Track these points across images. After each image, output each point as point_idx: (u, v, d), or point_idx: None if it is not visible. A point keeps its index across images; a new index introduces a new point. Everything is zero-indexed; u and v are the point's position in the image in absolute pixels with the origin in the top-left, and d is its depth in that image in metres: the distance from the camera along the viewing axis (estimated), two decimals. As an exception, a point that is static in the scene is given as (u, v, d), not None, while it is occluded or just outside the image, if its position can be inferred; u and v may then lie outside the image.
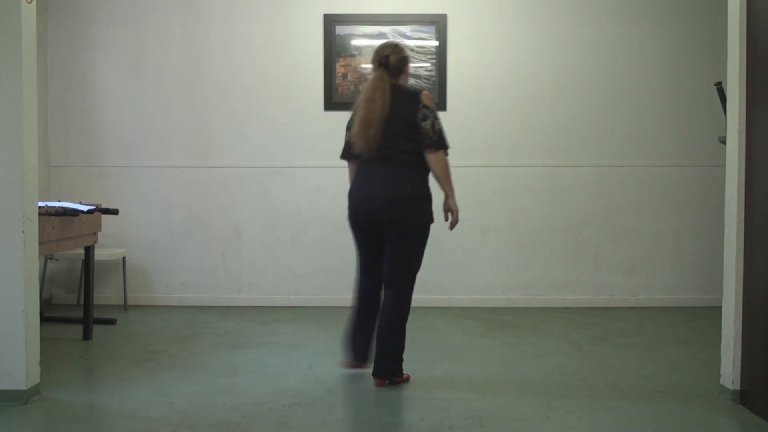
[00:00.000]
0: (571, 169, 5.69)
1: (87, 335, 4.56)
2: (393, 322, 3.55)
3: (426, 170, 3.57)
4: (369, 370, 3.65)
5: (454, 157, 5.63)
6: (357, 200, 3.62)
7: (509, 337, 4.67)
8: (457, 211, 3.64)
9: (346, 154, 3.72)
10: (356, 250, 3.76)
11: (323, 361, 4.06)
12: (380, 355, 3.55)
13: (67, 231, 4.29)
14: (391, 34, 5.62)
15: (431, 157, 3.50)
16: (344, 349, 3.80)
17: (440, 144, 3.51)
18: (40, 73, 5.17)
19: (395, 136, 3.48)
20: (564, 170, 5.70)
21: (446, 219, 3.66)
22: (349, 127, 3.67)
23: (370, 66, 3.76)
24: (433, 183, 3.62)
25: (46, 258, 5.44)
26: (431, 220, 3.58)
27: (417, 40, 5.64)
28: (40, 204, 4.09)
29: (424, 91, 3.60)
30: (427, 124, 3.48)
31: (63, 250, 4.39)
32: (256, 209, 5.72)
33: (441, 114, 5.73)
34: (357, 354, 3.71)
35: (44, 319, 4.81)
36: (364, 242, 3.69)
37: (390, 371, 3.56)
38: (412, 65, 5.60)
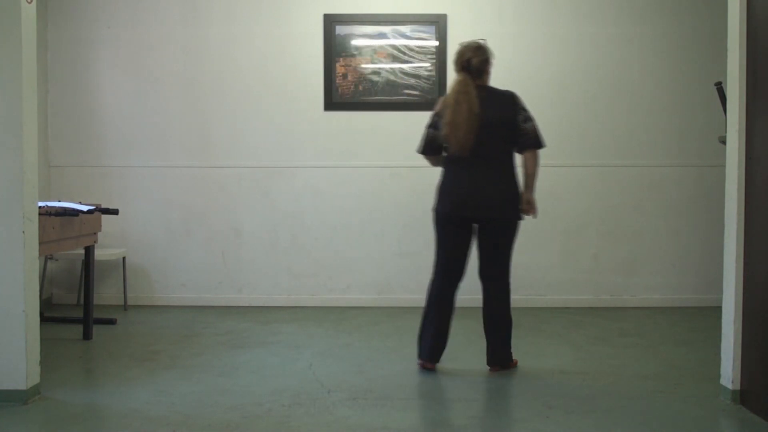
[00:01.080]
0: (571, 169, 5.69)
1: (87, 335, 4.57)
2: (504, 312, 3.83)
3: (514, 168, 3.76)
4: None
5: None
6: (458, 198, 3.72)
7: (509, 337, 4.67)
8: (535, 203, 3.82)
9: (428, 148, 3.85)
10: (440, 250, 3.83)
11: (323, 361, 4.06)
12: (495, 345, 3.82)
13: (67, 231, 4.29)
14: (391, 34, 5.62)
15: (529, 156, 3.74)
16: (426, 350, 3.83)
17: (539, 144, 3.75)
18: (40, 73, 5.18)
19: (492, 136, 3.66)
20: (564, 170, 5.70)
21: (527, 212, 3.81)
22: (434, 125, 3.79)
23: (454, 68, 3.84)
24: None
25: (46, 258, 5.44)
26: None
27: (417, 40, 5.64)
28: (40, 204, 4.09)
29: (516, 93, 3.77)
30: (529, 125, 3.72)
31: (63, 250, 4.39)
32: (256, 209, 5.72)
33: (441, 114, 5.79)
34: (437, 355, 3.83)
35: (44, 319, 4.81)
36: (455, 240, 3.78)
37: (506, 358, 3.84)
38: (412, 65, 5.64)
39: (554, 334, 4.74)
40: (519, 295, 5.69)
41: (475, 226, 3.78)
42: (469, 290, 5.65)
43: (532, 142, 3.72)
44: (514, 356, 3.93)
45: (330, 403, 3.32)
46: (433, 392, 3.51)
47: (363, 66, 5.63)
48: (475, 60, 3.72)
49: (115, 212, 4.75)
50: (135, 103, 5.72)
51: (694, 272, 5.69)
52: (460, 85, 3.70)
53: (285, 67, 5.68)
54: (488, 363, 3.85)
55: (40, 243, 3.64)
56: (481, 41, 3.83)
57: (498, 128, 3.67)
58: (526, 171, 3.76)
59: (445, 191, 3.77)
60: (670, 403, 3.36)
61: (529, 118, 3.72)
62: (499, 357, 3.83)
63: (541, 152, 5.59)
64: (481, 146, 3.64)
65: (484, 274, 3.83)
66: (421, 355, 3.87)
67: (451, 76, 5.56)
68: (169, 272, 5.73)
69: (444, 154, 3.84)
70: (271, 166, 5.71)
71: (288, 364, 3.99)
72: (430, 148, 3.84)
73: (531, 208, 3.80)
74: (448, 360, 4.08)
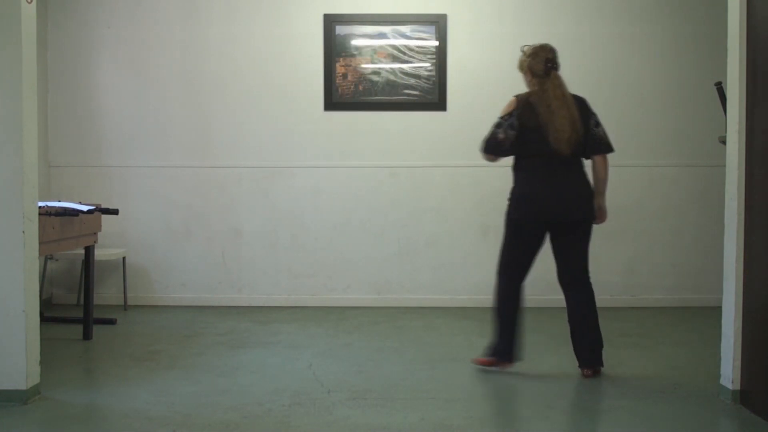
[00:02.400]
0: (571, 169, 5.68)
1: (87, 335, 4.56)
2: (595, 314, 3.80)
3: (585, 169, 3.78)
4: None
5: (454, 157, 5.68)
6: (541, 199, 3.69)
7: (509, 337, 4.66)
8: (606, 209, 3.84)
9: (502, 150, 3.74)
10: (513, 253, 3.82)
11: (323, 361, 4.06)
12: (591, 348, 3.76)
13: (67, 231, 4.29)
14: (391, 34, 5.62)
15: (601, 160, 3.75)
16: (511, 350, 3.82)
17: (610, 148, 3.76)
18: (40, 73, 5.17)
19: (581, 138, 3.67)
20: (564, 170, 5.69)
21: (598, 218, 3.82)
22: (512, 126, 3.68)
23: (531, 69, 3.80)
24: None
25: (46, 258, 5.44)
26: None
27: (417, 40, 5.64)
28: (40, 204, 4.09)
29: (586, 98, 3.82)
30: (600, 130, 3.74)
31: (63, 250, 4.39)
32: (256, 209, 5.72)
33: (441, 114, 5.80)
34: (507, 354, 3.82)
35: (44, 319, 4.81)
36: (530, 242, 3.78)
37: (599, 361, 3.77)
38: (412, 65, 5.64)
39: (554, 334, 4.74)
40: (519, 295, 5.70)
41: (547, 231, 3.77)
42: (469, 290, 5.67)
43: (604, 146, 3.74)
44: (521, 356, 3.90)
45: (330, 403, 3.32)
46: (433, 392, 3.51)
47: (363, 66, 5.63)
48: (557, 60, 3.77)
49: (115, 212, 4.75)
50: (135, 103, 5.72)
51: (694, 272, 5.69)
52: (562, 86, 3.71)
53: (285, 67, 5.68)
54: (582, 366, 3.77)
55: (40, 243, 3.64)
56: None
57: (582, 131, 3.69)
58: (597, 176, 3.77)
59: (529, 196, 3.71)
60: (670, 403, 3.36)
61: (599, 123, 3.75)
62: (595, 359, 3.76)
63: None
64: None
65: (565, 279, 3.84)
66: (499, 356, 3.83)
67: (452, 76, 5.63)
68: (169, 272, 5.73)
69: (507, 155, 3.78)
70: (271, 166, 5.71)
71: (288, 364, 3.99)
72: (508, 150, 3.73)
73: (602, 214, 3.82)
74: (448, 360, 4.08)
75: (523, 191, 3.74)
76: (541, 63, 3.73)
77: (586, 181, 3.76)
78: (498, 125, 3.73)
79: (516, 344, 3.84)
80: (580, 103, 3.76)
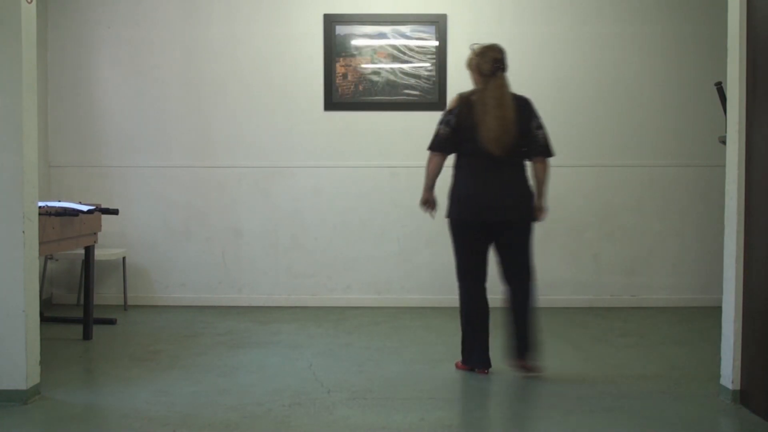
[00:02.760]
0: (571, 169, 5.69)
1: (87, 335, 4.56)
2: (530, 314, 3.75)
3: (527, 171, 3.78)
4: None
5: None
6: (478, 199, 3.69)
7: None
8: (547, 210, 3.86)
9: (443, 147, 3.75)
10: (463, 256, 3.80)
11: (323, 361, 4.06)
12: (526, 344, 3.71)
13: (67, 231, 4.29)
14: (391, 34, 5.62)
15: (540, 163, 3.76)
16: (482, 356, 3.79)
17: (549, 152, 3.77)
18: (40, 73, 5.16)
19: (515, 140, 3.64)
20: (564, 170, 5.69)
21: (536, 217, 3.81)
22: (447, 123, 3.72)
23: (476, 70, 3.76)
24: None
25: (46, 258, 5.43)
26: None
27: (417, 40, 5.64)
28: (40, 204, 4.09)
29: (530, 99, 3.79)
30: (541, 132, 3.74)
31: (63, 250, 4.39)
32: (256, 209, 5.72)
33: (440, 114, 5.79)
34: (477, 359, 3.79)
35: (44, 319, 4.80)
36: (475, 245, 3.77)
37: (534, 359, 3.72)
38: (412, 65, 5.64)
39: (554, 334, 4.74)
40: (519, 295, 5.70)
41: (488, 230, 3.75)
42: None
43: (543, 150, 3.74)
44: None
45: (330, 403, 3.32)
46: (433, 392, 3.51)
47: (363, 66, 5.63)
48: (505, 60, 3.73)
49: (115, 212, 4.75)
50: (135, 103, 5.72)
51: (694, 272, 5.69)
52: (503, 87, 3.67)
53: (285, 67, 5.68)
54: (515, 365, 3.75)
55: (40, 243, 3.64)
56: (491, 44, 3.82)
57: (518, 133, 3.66)
58: (536, 178, 3.77)
59: (466, 197, 3.71)
60: (670, 403, 3.36)
61: (541, 126, 3.74)
62: (532, 355, 3.72)
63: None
64: (507, 151, 3.65)
65: (506, 276, 3.81)
66: (473, 363, 3.82)
67: (452, 76, 5.63)
68: (169, 272, 5.73)
69: (446, 154, 3.79)
70: (271, 166, 5.71)
71: (288, 364, 3.99)
72: (445, 147, 3.75)
73: (541, 213, 3.82)
74: (448, 360, 4.08)
75: (460, 191, 3.73)
76: (488, 62, 3.69)
77: (525, 183, 3.75)
78: (440, 122, 3.77)
79: (486, 349, 3.80)
80: (523, 105, 3.72)
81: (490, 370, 3.79)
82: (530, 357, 3.73)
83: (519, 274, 3.77)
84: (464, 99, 3.74)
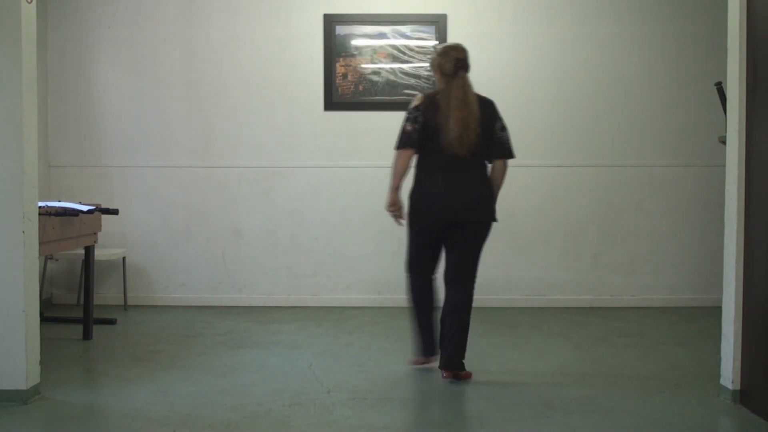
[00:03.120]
0: (571, 169, 5.69)
1: (87, 335, 4.56)
2: (465, 316, 3.71)
3: (487, 172, 3.77)
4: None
5: (416, 157, 5.65)
6: (440, 199, 3.68)
7: (509, 337, 4.67)
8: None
9: (409, 144, 3.71)
10: (416, 251, 3.83)
11: (323, 361, 4.06)
12: (452, 349, 3.66)
13: (67, 231, 4.29)
14: (391, 34, 5.62)
15: (501, 165, 3.76)
16: (431, 345, 3.82)
17: (510, 154, 3.77)
18: (40, 73, 5.17)
19: (478, 140, 3.63)
20: (564, 170, 5.70)
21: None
22: (415, 120, 3.68)
23: (436, 69, 3.76)
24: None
25: (46, 258, 5.44)
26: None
27: (417, 40, 5.64)
28: (40, 204, 4.09)
29: (494, 101, 3.79)
30: (504, 135, 3.74)
31: (63, 250, 4.39)
32: (256, 209, 5.72)
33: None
34: (432, 349, 3.82)
35: (44, 319, 4.81)
36: (431, 241, 3.79)
37: (461, 364, 3.68)
38: (412, 65, 5.64)
39: (554, 334, 4.74)
40: (519, 295, 5.71)
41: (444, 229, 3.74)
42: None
43: (506, 151, 3.74)
44: (468, 366, 3.74)
45: (330, 403, 3.32)
46: (433, 392, 3.51)
47: (363, 66, 5.63)
48: (468, 60, 3.73)
49: (115, 212, 4.75)
50: (135, 103, 5.72)
51: (694, 272, 5.69)
52: (466, 86, 3.67)
53: (285, 67, 5.69)
54: (442, 367, 3.68)
55: (40, 243, 3.64)
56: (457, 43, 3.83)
57: (481, 133, 3.65)
58: (494, 179, 3.76)
59: (428, 195, 3.70)
60: (670, 403, 3.36)
61: (504, 128, 3.75)
62: (456, 362, 3.66)
63: (542, 152, 5.69)
64: (470, 151, 3.64)
65: (449, 275, 3.77)
66: (423, 353, 3.85)
67: (451, 76, 5.62)
68: (169, 272, 5.73)
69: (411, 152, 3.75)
70: (271, 166, 5.71)
71: (288, 364, 3.99)
72: (415, 144, 3.71)
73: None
74: (448, 360, 4.07)
75: (421, 189, 3.73)
76: (450, 62, 3.68)
77: (486, 183, 3.73)
78: (406, 119, 3.73)
79: (435, 339, 3.81)
80: (486, 106, 3.71)
81: (434, 361, 3.81)
82: (454, 366, 3.65)
83: (462, 275, 3.74)
84: (429, 98, 3.73)
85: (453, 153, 3.61)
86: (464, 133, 3.59)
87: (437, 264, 3.86)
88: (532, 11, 5.66)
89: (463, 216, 3.66)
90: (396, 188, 3.79)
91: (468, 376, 3.67)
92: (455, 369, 3.65)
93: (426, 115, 3.67)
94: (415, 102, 3.76)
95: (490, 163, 3.76)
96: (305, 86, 5.67)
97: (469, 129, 3.59)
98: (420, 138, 3.68)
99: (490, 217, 3.73)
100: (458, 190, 3.65)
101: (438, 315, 3.81)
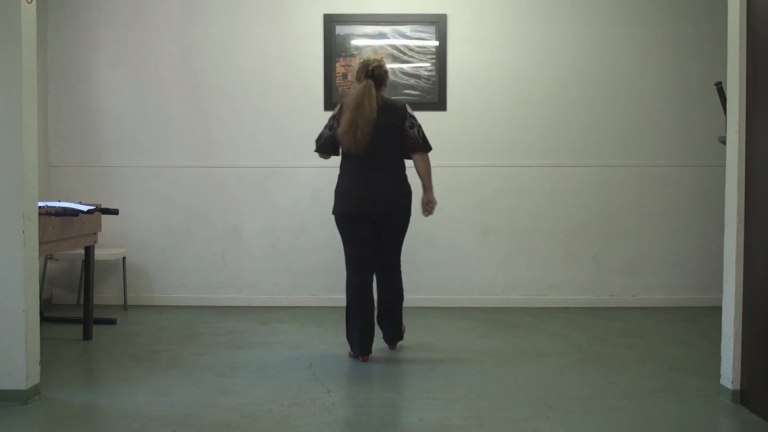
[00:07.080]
0: (571, 169, 5.69)
1: (87, 335, 4.57)
2: (400, 295, 4.22)
3: (404, 170, 4.10)
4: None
5: (454, 157, 5.68)
6: (355, 197, 4.00)
7: (509, 337, 4.67)
8: (436, 202, 4.22)
9: (323, 147, 4.14)
10: (348, 249, 4.08)
11: (323, 361, 4.06)
12: (393, 325, 4.24)
13: (67, 231, 4.29)
14: (391, 34, 5.62)
15: (417, 158, 4.09)
16: (357, 345, 4.04)
17: (426, 147, 4.09)
18: (40, 73, 5.17)
19: (384, 141, 3.98)
20: (564, 170, 5.70)
21: (425, 211, 4.23)
22: (330, 126, 4.10)
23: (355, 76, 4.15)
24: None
25: (46, 258, 5.44)
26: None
27: (417, 40, 5.64)
28: (40, 204, 4.09)
29: (407, 103, 4.15)
30: (414, 131, 4.05)
31: (63, 250, 4.39)
32: (256, 209, 5.72)
33: (441, 114, 5.80)
34: (369, 347, 4.06)
35: (44, 319, 4.81)
36: (359, 238, 4.04)
37: (399, 333, 4.29)
38: (412, 65, 5.64)
39: (554, 334, 4.74)
40: (519, 295, 5.71)
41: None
42: (469, 290, 5.67)
43: (417, 145, 4.04)
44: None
45: (330, 403, 3.32)
46: (433, 392, 3.51)
47: (363, 66, 5.63)
48: (378, 70, 4.03)
49: (115, 212, 4.75)
50: (135, 103, 5.73)
51: (694, 272, 5.69)
52: (364, 89, 3.96)
53: (285, 67, 5.69)
54: (388, 342, 4.27)
55: (40, 243, 3.64)
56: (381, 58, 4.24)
57: (389, 133, 3.98)
58: (418, 172, 4.11)
59: (343, 193, 4.03)
60: (670, 403, 3.36)
61: (414, 125, 4.04)
62: (395, 335, 4.25)
63: (541, 151, 5.70)
64: (375, 149, 3.94)
65: (382, 264, 4.14)
66: (353, 350, 4.08)
67: (452, 76, 5.64)
68: (169, 272, 5.73)
69: (332, 156, 4.17)
70: (271, 166, 5.71)
71: (288, 364, 3.99)
72: (326, 149, 4.11)
73: (430, 207, 4.20)
74: (448, 360, 4.07)
75: (340, 188, 4.06)
76: (361, 71, 4.04)
77: (400, 180, 4.06)
78: (325, 125, 4.14)
79: (366, 340, 4.03)
80: (392, 109, 4.03)
81: (368, 358, 4.04)
82: (395, 339, 4.26)
83: (387, 265, 4.14)
84: (340, 105, 4.08)
85: (348, 152, 3.96)
86: (351, 132, 3.90)
87: (370, 262, 4.08)
88: (532, 11, 5.66)
89: (372, 210, 3.98)
90: None
91: (404, 329, 4.34)
92: (397, 340, 4.27)
93: (338, 120, 4.04)
94: (336, 109, 4.14)
95: (409, 158, 4.08)
96: (305, 86, 5.67)
97: (357, 130, 3.89)
98: (334, 143, 4.07)
99: (401, 211, 4.06)
100: (370, 188, 3.97)
101: (374, 317, 4.13)
